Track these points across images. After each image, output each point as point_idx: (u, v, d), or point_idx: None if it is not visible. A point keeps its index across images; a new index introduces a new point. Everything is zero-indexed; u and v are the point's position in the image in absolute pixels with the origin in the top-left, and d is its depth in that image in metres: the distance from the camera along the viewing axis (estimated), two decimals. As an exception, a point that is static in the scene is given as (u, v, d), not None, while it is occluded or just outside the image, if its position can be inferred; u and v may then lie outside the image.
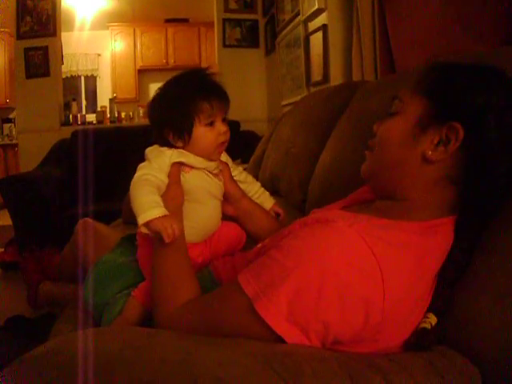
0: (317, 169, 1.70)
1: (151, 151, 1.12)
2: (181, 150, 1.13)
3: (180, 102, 1.10)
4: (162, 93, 1.15)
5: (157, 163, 1.09)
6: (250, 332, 0.73)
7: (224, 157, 1.25)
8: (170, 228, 0.94)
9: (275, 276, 0.73)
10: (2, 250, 3.78)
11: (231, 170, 1.27)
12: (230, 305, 0.78)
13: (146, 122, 4.31)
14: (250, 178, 1.36)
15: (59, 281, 1.98)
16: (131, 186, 1.04)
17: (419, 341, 0.75)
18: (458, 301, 0.78)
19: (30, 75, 4.66)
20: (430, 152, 0.80)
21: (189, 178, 1.13)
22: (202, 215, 1.16)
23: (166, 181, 1.08)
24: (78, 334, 0.73)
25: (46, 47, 4.66)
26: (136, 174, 1.06)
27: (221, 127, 1.13)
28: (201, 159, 1.14)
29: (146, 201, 0.99)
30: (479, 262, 0.79)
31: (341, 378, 0.59)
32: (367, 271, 0.69)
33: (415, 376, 0.62)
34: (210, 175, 1.17)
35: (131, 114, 5.51)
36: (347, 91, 1.86)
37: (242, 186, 1.29)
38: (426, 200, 0.83)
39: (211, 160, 1.16)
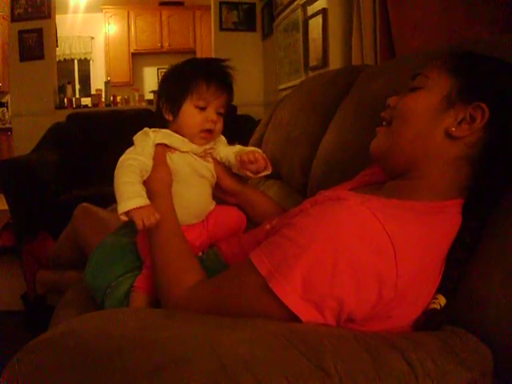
0: (319, 152, 1.70)
1: (137, 136, 1.14)
2: (166, 131, 1.14)
3: (181, 75, 1.15)
4: (173, 67, 1.19)
5: (140, 146, 1.10)
6: (264, 311, 0.74)
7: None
8: (147, 219, 0.97)
9: (289, 254, 0.73)
10: (-3, 234, 3.76)
11: (221, 147, 1.23)
12: (243, 284, 0.78)
13: (141, 105, 4.27)
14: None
15: (54, 268, 1.97)
16: (115, 171, 1.05)
17: (429, 321, 0.76)
18: (467, 281, 0.79)
19: (24, 58, 4.61)
20: (453, 128, 0.81)
21: (174, 159, 1.13)
22: (190, 196, 1.16)
23: (150, 163, 1.09)
24: (91, 316, 0.73)
25: (41, 29, 4.60)
26: (120, 159, 1.08)
27: (211, 114, 1.14)
28: (185, 141, 1.14)
29: (127, 190, 1.01)
30: (489, 243, 0.80)
31: (360, 354, 0.59)
32: (380, 247, 0.70)
33: (431, 353, 0.63)
34: (196, 157, 1.17)
35: (127, 97, 5.45)
36: (349, 75, 1.85)
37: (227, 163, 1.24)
38: (438, 179, 0.84)
39: (194, 143, 1.16)
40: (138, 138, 1.13)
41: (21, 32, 4.58)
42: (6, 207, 3.50)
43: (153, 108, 4.45)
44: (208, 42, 7.15)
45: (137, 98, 5.53)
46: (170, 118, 1.15)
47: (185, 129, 1.15)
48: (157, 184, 1.07)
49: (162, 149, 1.12)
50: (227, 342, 0.59)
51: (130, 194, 1.00)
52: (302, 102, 2.12)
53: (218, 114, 1.16)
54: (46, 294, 2.10)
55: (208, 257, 1.13)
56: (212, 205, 1.22)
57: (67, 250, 1.78)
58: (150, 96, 5.90)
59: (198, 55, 7.94)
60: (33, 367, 0.58)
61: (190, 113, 1.13)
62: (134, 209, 0.97)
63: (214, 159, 1.21)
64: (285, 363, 0.56)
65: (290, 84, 3.78)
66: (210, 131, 1.15)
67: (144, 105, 5.33)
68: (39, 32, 4.61)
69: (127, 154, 1.09)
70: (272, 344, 0.59)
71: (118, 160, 1.08)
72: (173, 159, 1.13)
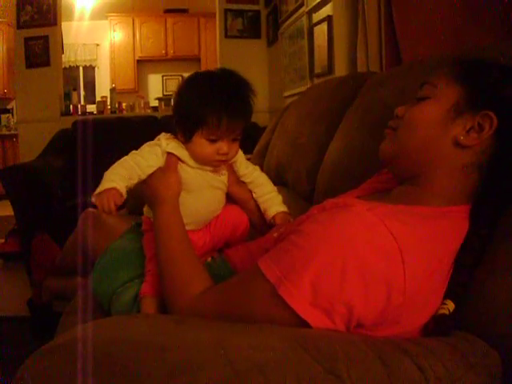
0: (325, 159, 1.70)
1: (150, 142, 1.14)
2: (180, 144, 1.13)
3: (193, 103, 1.08)
4: (188, 83, 1.13)
5: (147, 151, 1.11)
6: (273, 317, 0.74)
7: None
8: (106, 201, 0.98)
9: (297, 260, 0.73)
10: (3, 240, 3.78)
11: (243, 167, 1.25)
12: (252, 291, 0.79)
13: (146, 112, 4.28)
14: (262, 179, 1.29)
15: (60, 274, 1.97)
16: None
17: (438, 326, 0.76)
18: (476, 286, 0.79)
19: (30, 65, 4.65)
20: (462, 137, 0.82)
21: (186, 169, 1.13)
22: (200, 205, 1.16)
23: (150, 167, 1.09)
24: (103, 322, 0.74)
25: (47, 37, 4.64)
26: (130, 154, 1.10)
27: (222, 147, 1.09)
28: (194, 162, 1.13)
29: (106, 178, 1.02)
30: (498, 248, 0.80)
31: (372, 360, 0.60)
32: (387, 253, 0.71)
33: (441, 358, 0.63)
34: (208, 172, 1.16)
35: (132, 104, 5.47)
36: (355, 82, 1.86)
37: (249, 186, 1.27)
38: (446, 186, 0.85)
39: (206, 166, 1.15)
40: (149, 143, 1.14)
41: (27, 39, 4.62)
42: (11, 213, 3.51)
43: (158, 115, 4.47)
44: (213, 49, 7.17)
45: (142, 104, 5.55)
46: (182, 140, 1.12)
47: (195, 156, 1.12)
48: (164, 190, 1.08)
49: (174, 158, 1.12)
50: (240, 347, 0.59)
51: (105, 181, 1.02)
52: (308, 109, 2.13)
53: (233, 140, 1.12)
54: (52, 300, 2.10)
55: (215, 263, 1.13)
56: (220, 210, 1.23)
57: (73, 255, 1.76)
58: (156, 103, 5.93)
59: (203, 62, 7.99)
60: (46, 373, 0.58)
61: (200, 143, 1.09)
62: (100, 192, 0.99)
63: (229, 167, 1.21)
64: (298, 368, 0.56)
65: (295, 91, 3.79)
66: (222, 161, 1.14)
67: (149, 112, 5.36)
68: (45, 39, 4.64)
69: (130, 154, 1.10)
70: (285, 349, 0.60)
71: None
72: (184, 169, 1.13)
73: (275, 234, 1.08)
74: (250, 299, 0.78)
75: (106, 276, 1.23)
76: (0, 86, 7.29)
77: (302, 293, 0.71)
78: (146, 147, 1.13)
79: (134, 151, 1.11)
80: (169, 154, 1.11)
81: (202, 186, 1.15)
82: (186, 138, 1.11)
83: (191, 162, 1.12)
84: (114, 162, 1.10)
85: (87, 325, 0.71)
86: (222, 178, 1.19)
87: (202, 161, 1.13)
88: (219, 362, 0.56)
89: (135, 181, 1.06)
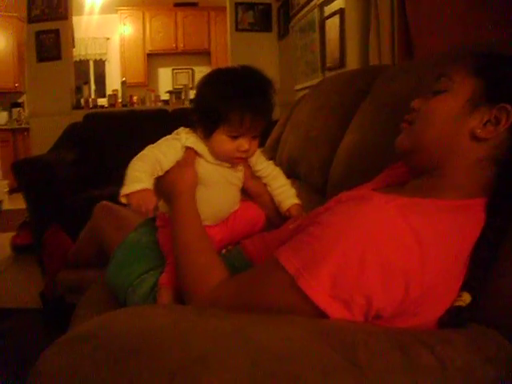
0: (338, 152, 1.70)
1: (168, 136, 1.15)
2: (199, 139, 1.13)
3: (216, 100, 1.06)
4: (209, 79, 1.12)
5: (165, 145, 1.11)
6: (292, 309, 0.74)
7: None
8: (143, 202, 1.00)
9: (316, 252, 0.74)
10: (15, 233, 3.81)
11: (259, 161, 1.25)
12: (270, 283, 0.79)
13: (157, 105, 4.30)
14: (276, 173, 1.28)
15: (74, 267, 1.98)
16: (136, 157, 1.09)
17: (454, 318, 0.76)
18: (493, 279, 0.79)
19: (41, 59, 4.67)
20: (479, 130, 0.82)
21: (204, 164, 1.13)
22: (217, 200, 1.17)
23: (169, 162, 1.10)
24: (122, 312, 0.74)
25: (58, 30, 4.67)
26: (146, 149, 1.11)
27: (243, 145, 1.09)
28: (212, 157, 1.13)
29: (131, 175, 1.04)
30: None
31: (391, 350, 0.60)
32: (405, 245, 0.71)
33: (459, 350, 0.64)
34: (225, 167, 1.16)
35: (142, 97, 5.49)
36: (368, 75, 1.86)
37: (264, 180, 1.27)
38: (462, 179, 0.85)
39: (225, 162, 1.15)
40: (167, 137, 1.14)
41: (38, 33, 4.64)
42: (23, 206, 3.53)
43: (169, 108, 4.48)
44: (223, 42, 7.18)
45: (153, 98, 5.56)
46: (202, 135, 1.12)
47: (215, 152, 1.12)
48: (181, 183, 1.08)
49: (192, 152, 1.12)
50: (261, 336, 0.60)
51: (133, 179, 1.03)
52: (321, 102, 2.12)
53: (253, 137, 1.11)
54: (66, 293, 2.10)
55: (231, 255, 1.14)
56: (237, 205, 1.23)
57: (87, 248, 1.80)
58: (166, 96, 5.93)
59: (213, 56, 7.98)
60: (67, 362, 0.59)
61: (221, 140, 1.09)
62: (132, 192, 1.01)
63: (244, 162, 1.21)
64: (318, 359, 0.57)
65: (306, 84, 3.79)
66: (242, 158, 1.14)
67: (160, 105, 5.37)
68: (56, 33, 4.67)
69: (147, 148, 1.11)
70: (305, 340, 0.60)
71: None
72: (201, 164, 1.13)
73: (291, 226, 1.08)
74: (267, 290, 0.79)
75: (122, 269, 1.25)
76: (11, 80, 7.31)
77: (321, 284, 0.71)
78: (165, 141, 1.13)
79: (151, 145, 1.12)
80: (188, 148, 1.12)
81: (219, 181, 1.16)
82: (206, 133, 1.10)
83: (210, 158, 1.13)
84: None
85: (106, 315, 0.72)
86: (238, 174, 1.20)
87: (221, 157, 1.13)
88: (241, 350, 0.56)
89: (155, 176, 1.08)
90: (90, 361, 0.58)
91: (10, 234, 3.97)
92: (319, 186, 1.84)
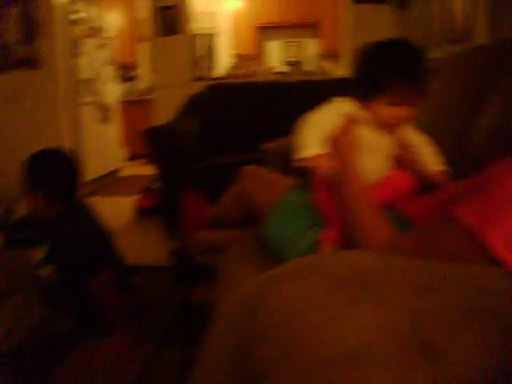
0: (475, 130, 1.68)
1: (324, 105, 1.24)
2: (355, 106, 1.21)
3: (378, 69, 1.15)
4: (370, 50, 1.20)
5: (325, 113, 1.21)
6: (468, 259, 0.77)
7: None
8: (324, 164, 1.12)
9: (495, 208, 0.77)
10: (139, 197, 4.04)
11: (410, 129, 1.29)
12: (447, 235, 0.83)
13: (270, 78, 4.36)
14: (422, 139, 1.32)
15: (214, 228, 2.06)
16: (296, 126, 1.20)
17: None
18: None
19: (163, 33, 4.92)
20: None
21: (361, 131, 1.20)
22: (368, 166, 1.21)
23: (332, 125, 1.19)
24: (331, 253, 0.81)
25: (176, 6, 4.91)
26: (301, 120, 1.21)
27: (396, 112, 1.16)
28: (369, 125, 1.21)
29: (305, 141, 1.15)
30: None
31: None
32: None
33: None
34: (380, 135, 1.23)
35: (254, 70, 5.63)
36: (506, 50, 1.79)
37: (413, 148, 1.30)
38: None
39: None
40: (324, 106, 1.23)
41: (161, 9, 4.89)
42: (140, 172, 3.73)
43: (282, 79, 4.57)
44: (332, 14, 7.08)
45: (264, 70, 5.67)
46: (359, 103, 1.21)
47: (373, 119, 1.20)
48: (343, 147, 1.17)
49: (351, 119, 1.20)
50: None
51: (309, 144, 1.14)
52: (448, 77, 2.08)
53: (410, 104, 1.16)
54: (199, 252, 2.22)
55: (393, 215, 1.17)
56: (386, 172, 1.28)
57: (232, 210, 1.88)
58: (279, 68, 6.00)
59: (324, 29, 7.89)
60: (299, 289, 0.60)
61: (380, 107, 1.17)
62: (311, 156, 1.12)
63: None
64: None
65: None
66: (395, 125, 1.20)
67: (274, 77, 5.46)
68: (175, 9, 4.90)
69: (313, 114, 1.22)
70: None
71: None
72: (360, 130, 1.20)
73: (449, 189, 1.13)
74: (447, 243, 0.82)
75: (284, 224, 1.34)
76: (128, 55, 7.65)
77: (502, 238, 0.74)
78: (325, 109, 1.23)
79: (312, 112, 1.22)
80: (346, 115, 1.21)
81: (373, 148, 1.22)
82: (365, 101, 1.19)
83: (368, 124, 1.21)
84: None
85: (318, 254, 0.77)
86: (390, 141, 1.26)
87: (379, 124, 1.20)
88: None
89: (322, 142, 1.18)
90: (324, 288, 0.59)
91: (131, 198, 4.29)
92: (450, 160, 1.82)
